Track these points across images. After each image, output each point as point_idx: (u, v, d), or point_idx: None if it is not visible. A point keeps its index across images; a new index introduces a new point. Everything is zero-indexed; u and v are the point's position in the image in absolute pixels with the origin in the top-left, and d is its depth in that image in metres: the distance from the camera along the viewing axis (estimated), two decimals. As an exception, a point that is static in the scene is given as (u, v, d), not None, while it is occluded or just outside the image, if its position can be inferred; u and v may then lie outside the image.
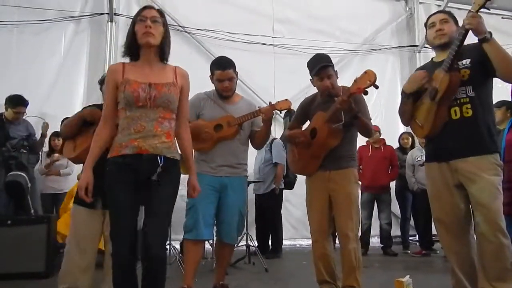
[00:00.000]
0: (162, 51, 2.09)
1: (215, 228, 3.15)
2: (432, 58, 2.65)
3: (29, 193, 4.24)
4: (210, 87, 3.20)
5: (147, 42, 2.02)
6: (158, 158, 1.95)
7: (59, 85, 5.73)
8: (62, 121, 2.97)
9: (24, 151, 4.22)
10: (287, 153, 3.31)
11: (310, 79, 3.05)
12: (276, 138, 5.60)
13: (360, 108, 2.86)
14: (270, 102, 3.08)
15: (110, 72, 2.07)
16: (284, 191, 5.70)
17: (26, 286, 3.56)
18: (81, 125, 2.77)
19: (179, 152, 2.19)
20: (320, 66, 2.92)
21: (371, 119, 3.02)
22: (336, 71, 3.03)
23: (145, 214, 1.94)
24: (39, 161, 4.62)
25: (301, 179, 5.47)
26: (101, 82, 2.82)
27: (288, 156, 3.31)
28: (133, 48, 2.07)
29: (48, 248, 3.98)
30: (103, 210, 2.70)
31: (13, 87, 4.75)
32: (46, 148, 5.01)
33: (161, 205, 1.96)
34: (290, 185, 5.60)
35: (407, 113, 2.60)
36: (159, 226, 1.94)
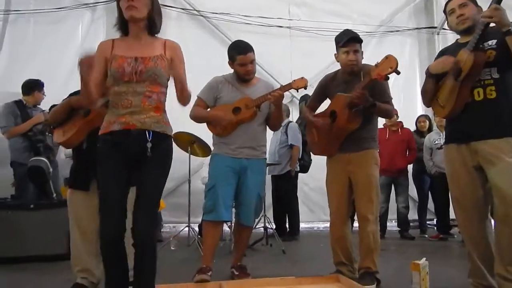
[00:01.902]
0: (150, 24, 2.03)
1: (233, 210, 3.19)
2: (457, 40, 2.58)
3: (51, 178, 4.33)
4: (226, 70, 3.20)
5: (130, 16, 1.97)
6: (147, 133, 1.93)
7: (77, 73, 5.78)
8: (50, 108, 3.01)
9: (50, 134, 4.31)
10: (307, 134, 3.31)
11: (335, 54, 3.02)
12: (291, 121, 5.60)
13: (379, 91, 2.84)
14: (281, 85, 3.07)
15: (99, 48, 2.04)
16: (301, 174, 5.72)
17: (48, 268, 3.66)
18: (69, 112, 2.80)
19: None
20: (350, 37, 2.90)
21: (392, 98, 2.98)
22: (362, 51, 2.99)
23: (136, 193, 1.93)
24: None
25: (318, 164, 5.50)
26: None
27: (308, 137, 3.31)
28: (121, 23, 2.04)
29: (69, 231, 4.07)
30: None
31: (31, 76, 4.80)
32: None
33: (152, 184, 1.95)
34: (305, 168, 5.62)
35: (429, 92, 2.55)
36: (149, 204, 1.93)
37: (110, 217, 1.87)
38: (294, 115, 6.52)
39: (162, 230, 5.88)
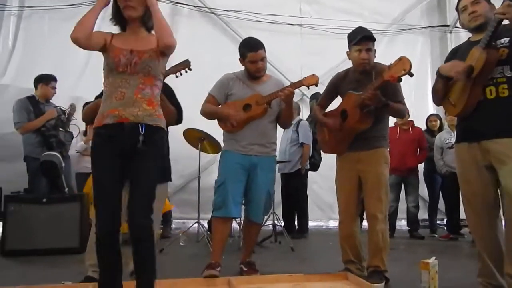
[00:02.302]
0: (146, 20, 2.08)
1: (242, 206, 3.21)
2: (468, 38, 2.56)
3: (63, 172, 4.39)
4: (237, 67, 3.21)
5: (128, 16, 2.05)
6: (140, 126, 1.93)
7: (90, 69, 5.87)
8: (84, 106, 3.05)
9: (61, 129, 4.37)
10: (318, 133, 3.31)
11: (347, 52, 3.00)
12: (302, 119, 5.60)
13: (391, 90, 2.83)
14: (291, 82, 3.08)
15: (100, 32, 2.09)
16: (311, 173, 5.72)
17: (60, 261, 3.70)
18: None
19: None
20: (363, 35, 2.89)
21: (404, 98, 2.96)
22: (375, 50, 2.98)
23: (130, 187, 1.94)
24: (73, 138, 4.78)
25: (328, 162, 5.48)
26: None
27: (318, 136, 3.31)
28: (118, 20, 2.10)
29: (81, 225, 4.14)
30: None
31: (45, 72, 4.88)
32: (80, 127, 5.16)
33: (146, 176, 1.95)
34: (315, 166, 5.62)
35: (440, 92, 2.54)
36: (143, 196, 1.92)
37: (106, 210, 1.88)
38: (305, 113, 6.52)
39: (171, 226, 5.94)
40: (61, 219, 4.11)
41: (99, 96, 2.95)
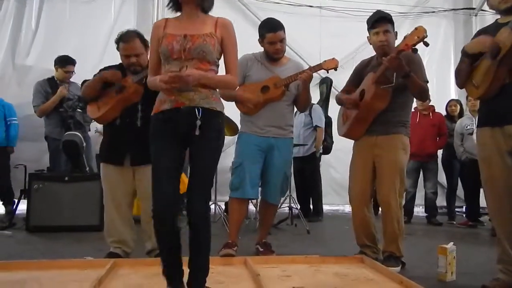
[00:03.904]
0: (202, 1, 2.00)
1: (259, 188, 3.23)
2: (496, 20, 2.47)
3: (84, 152, 4.48)
4: (256, 49, 3.19)
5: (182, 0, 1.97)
6: (196, 110, 1.90)
7: (110, 51, 5.90)
8: (82, 83, 3.05)
9: (80, 110, 4.44)
10: (338, 116, 3.28)
11: (367, 37, 2.96)
12: (314, 104, 5.57)
13: (414, 68, 2.75)
14: (310, 66, 3.05)
15: (154, 28, 2.05)
16: (328, 157, 5.70)
17: (81, 238, 3.82)
18: (101, 87, 2.85)
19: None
20: (377, 17, 2.84)
21: (427, 81, 2.87)
22: (396, 32, 2.92)
23: (189, 172, 1.93)
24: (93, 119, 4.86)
25: (345, 146, 5.44)
26: (117, 41, 2.90)
27: (337, 120, 3.27)
28: (174, 3, 2.02)
29: (101, 203, 4.20)
30: (132, 167, 2.83)
31: (67, 53, 4.95)
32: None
33: (204, 161, 1.93)
34: (327, 150, 5.62)
35: (463, 72, 2.46)
36: (201, 182, 1.91)
37: (163, 193, 1.86)
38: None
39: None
40: (82, 198, 4.22)
41: (103, 70, 2.98)
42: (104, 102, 2.85)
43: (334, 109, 5.97)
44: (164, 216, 1.87)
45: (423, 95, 2.91)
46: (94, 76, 2.96)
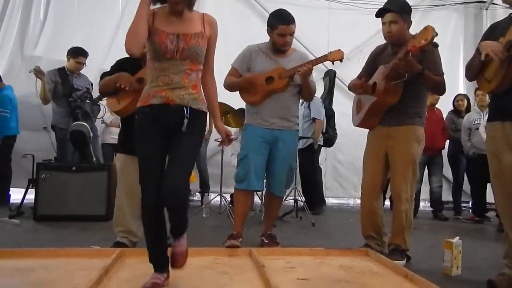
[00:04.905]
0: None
1: (265, 180, 3.24)
2: (510, 14, 2.44)
3: (91, 142, 4.51)
4: (263, 41, 3.18)
5: None
6: (184, 109, 1.96)
7: (117, 43, 5.93)
8: (101, 77, 3.04)
9: (88, 101, 4.47)
10: (352, 105, 3.23)
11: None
12: (317, 96, 5.54)
13: (428, 63, 2.71)
14: (312, 60, 3.03)
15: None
16: (333, 150, 5.68)
17: (88, 227, 3.85)
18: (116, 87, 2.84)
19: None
20: (381, 8, 2.82)
21: (443, 74, 2.81)
22: (410, 21, 2.87)
23: (168, 162, 1.97)
24: (100, 111, 4.90)
25: (351, 140, 5.44)
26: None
27: (352, 108, 3.24)
28: None
29: (108, 193, 4.26)
30: None
31: (74, 44, 4.97)
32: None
33: (182, 152, 1.96)
34: (329, 142, 5.59)
35: (475, 67, 2.43)
36: (179, 171, 1.93)
37: (152, 185, 1.91)
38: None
39: (193, 199, 6.08)
40: (89, 187, 4.26)
41: (106, 74, 2.98)
42: (124, 96, 2.86)
43: (337, 102, 6.04)
44: (152, 209, 1.92)
45: (438, 89, 2.86)
46: (111, 67, 2.98)
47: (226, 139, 2.21)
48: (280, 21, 3.00)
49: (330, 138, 5.54)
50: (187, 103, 1.97)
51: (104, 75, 3.02)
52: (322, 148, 5.65)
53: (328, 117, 5.38)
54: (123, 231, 2.89)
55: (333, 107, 5.81)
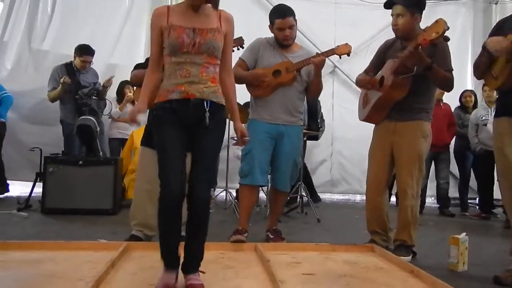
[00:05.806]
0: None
1: (269, 175, 3.24)
2: None
3: (97, 136, 4.53)
4: (269, 36, 3.17)
5: None
6: (205, 102, 1.95)
7: (124, 38, 5.95)
8: (135, 67, 3.08)
9: (95, 97, 4.49)
10: (359, 99, 3.20)
11: None
12: None
13: (437, 58, 2.68)
14: (316, 53, 3.01)
15: (155, 16, 2.02)
16: (338, 146, 5.63)
17: (95, 221, 3.88)
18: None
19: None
20: (386, 1, 2.79)
21: (452, 70, 2.77)
22: (419, 16, 2.81)
23: (192, 159, 1.96)
24: (106, 106, 4.92)
25: (355, 136, 5.41)
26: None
27: (358, 102, 3.22)
28: None
29: (115, 188, 4.30)
30: None
31: (82, 40, 4.99)
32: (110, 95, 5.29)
33: (207, 150, 1.97)
34: (314, 136, 5.43)
35: (483, 65, 2.43)
36: (204, 170, 1.95)
37: (173, 177, 1.89)
38: (335, 86, 6.42)
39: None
40: (96, 182, 4.27)
41: (140, 65, 2.99)
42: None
43: (343, 98, 6.02)
44: (172, 202, 1.90)
45: (446, 85, 2.83)
46: (146, 60, 2.98)
47: (241, 140, 2.16)
48: (277, 16, 3.00)
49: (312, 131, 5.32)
50: (207, 97, 1.96)
51: (138, 65, 3.04)
52: (327, 144, 5.59)
53: (314, 111, 5.16)
54: (139, 224, 2.90)
55: (339, 103, 5.75)
